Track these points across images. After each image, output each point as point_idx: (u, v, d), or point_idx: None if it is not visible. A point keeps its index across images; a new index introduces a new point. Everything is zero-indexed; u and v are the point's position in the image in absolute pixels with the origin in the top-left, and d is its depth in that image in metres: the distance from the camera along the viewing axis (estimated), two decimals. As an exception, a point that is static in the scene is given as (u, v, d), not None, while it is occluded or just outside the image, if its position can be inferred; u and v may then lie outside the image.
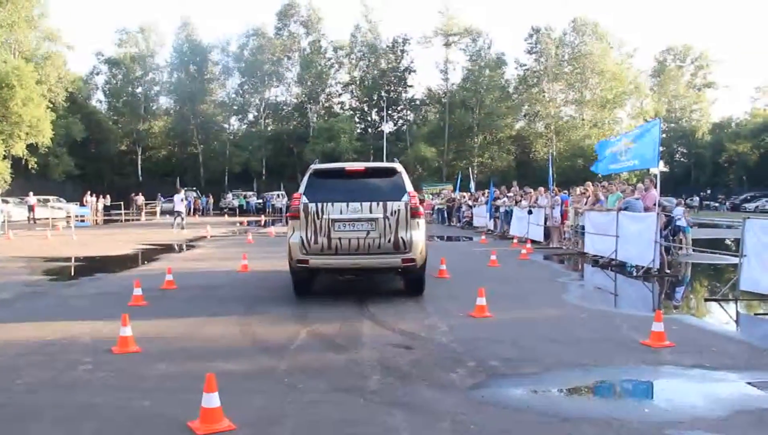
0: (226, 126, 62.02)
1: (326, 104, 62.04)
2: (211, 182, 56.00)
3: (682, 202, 16.90)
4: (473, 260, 13.85)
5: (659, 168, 11.81)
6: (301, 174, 58.90)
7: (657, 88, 62.12)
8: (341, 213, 8.11)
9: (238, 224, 31.64)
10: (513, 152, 56.73)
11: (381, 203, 8.14)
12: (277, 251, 16.18)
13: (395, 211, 8.13)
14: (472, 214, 27.70)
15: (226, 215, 40.51)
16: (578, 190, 16.71)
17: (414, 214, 8.22)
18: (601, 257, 13.18)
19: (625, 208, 12.34)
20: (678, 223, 14.52)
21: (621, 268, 12.18)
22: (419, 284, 8.81)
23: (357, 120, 61.97)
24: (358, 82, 60.81)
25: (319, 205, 8.14)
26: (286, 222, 27.88)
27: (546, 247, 16.92)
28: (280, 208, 46.23)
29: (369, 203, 8.13)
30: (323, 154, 52.34)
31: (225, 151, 58.31)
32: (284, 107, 62.76)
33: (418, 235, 8.20)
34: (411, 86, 60.88)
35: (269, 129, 62.21)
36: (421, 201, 28.92)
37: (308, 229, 8.16)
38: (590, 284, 10.98)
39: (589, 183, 16.64)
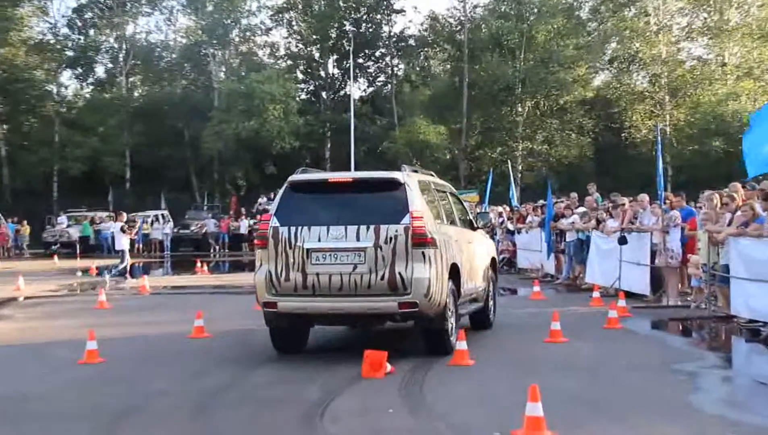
0: (51, 88, 61.90)
1: (242, 49, 62.51)
2: (26, 195, 55.71)
3: None
4: (518, 331, 13.86)
5: None
6: (198, 177, 59.24)
7: None
8: (320, 240, 10.65)
9: (78, 273, 31.30)
10: (589, 130, 57.12)
11: (372, 227, 10.54)
12: (155, 322, 16.10)
13: (391, 238, 10.50)
14: (515, 245, 27.81)
15: (55, 256, 39.99)
16: (715, 198, 16.78)
17: (418, 241, 10.48)
18: (765, 324, 13.20)
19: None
20: None
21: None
22: (437, 341, 11.19)
23: (300, 77, 62.48)
24: (300, 7, 61.23)
25: (293, 229, 10.75)
26: (175, 267, 28.01)
27: (656, 306, 16.96)
28: (161, 242, 45.97)
29: (356, 227, 10.58)
30: (237, 141, 52.31)
31: (52, 135, 58.10)
32: (164, 54, 62.87)
33: (423, 270, 10.52)
34: (400, 12, 61.45)
35: (136, 95, 62.15)
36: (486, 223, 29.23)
37: (278, 262, 10.73)
38: (744, 376, 10.94)
39: (737, 184, 16.70)
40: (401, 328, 13.98)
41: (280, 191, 11.41)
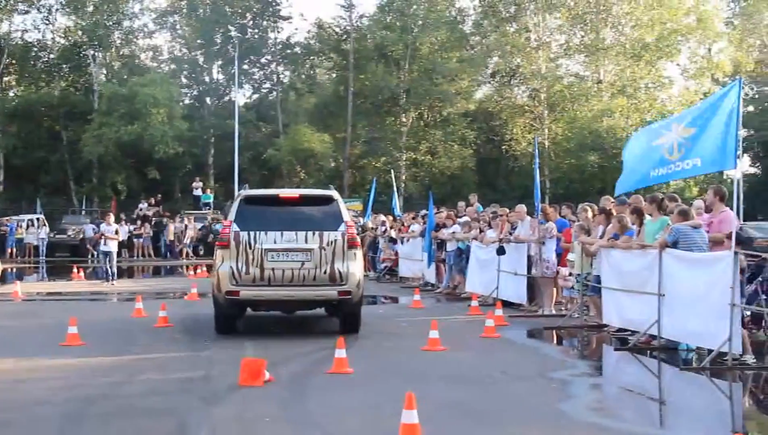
0: None
1: (124, 51, 61.38)
2: None
3: None
4: (398, 340, 13.99)
5: (739, 169, 12.19)
6: (76, 181, 57.80)
7: (740, 24, 60.81)
8: (275, 242, 13.54)
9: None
10: (471, 142, 57.70)
11: (317, 233, 13.62)
12: (26, 330, 15.64)
13: (331, 242, 13.60)
14: (396, 254, 27.93)
15: None
16: (589, 210, 17.14)
17: (351, 244, 13.79)
18: (633, 333, 13.49)
19: (675, 243, 12.71)
20: None
21: (670, 352, 12.52)
22: (354, 321, 14.26)
23: (184, 81, 61.67)
24: (185, 11, 60.60)
25: (252, 233, 13.57)
26: (50, 273, 27.79)
27: (532, 316, 17.26)
28: (36, 247, 44.74)
29: (304, 233, 13.61)
30: (119, 145, 51.19)
31: None
32: (42, 54, 61.42)
33: (355, 266, 13.79)
34: (287, 19, 61.23)
35: (11, 95, 60.41)
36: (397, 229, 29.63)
37: (239, 259, 13.50)
38: (613, 383, 11.22)
39: (609, 198, 17.06)
40: (281, 335, 14.16)
41: (235, 203, 14.57)
